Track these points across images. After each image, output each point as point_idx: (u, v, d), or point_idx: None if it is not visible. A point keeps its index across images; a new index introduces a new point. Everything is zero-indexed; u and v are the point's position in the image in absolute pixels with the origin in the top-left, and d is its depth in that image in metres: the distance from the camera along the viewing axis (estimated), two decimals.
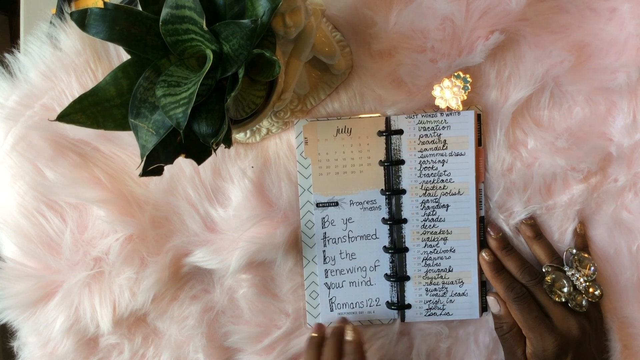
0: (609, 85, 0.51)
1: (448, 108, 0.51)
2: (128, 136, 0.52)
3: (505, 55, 0.52)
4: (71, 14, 0.34)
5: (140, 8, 0.36)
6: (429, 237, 0.54)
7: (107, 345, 0.55)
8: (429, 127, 0.53)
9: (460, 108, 0.51)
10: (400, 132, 0.53)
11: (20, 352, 0.56)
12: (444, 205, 0.54)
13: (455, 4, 0.48)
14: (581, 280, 0.51)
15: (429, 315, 0.55)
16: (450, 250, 0.54)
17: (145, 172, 0.36)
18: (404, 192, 0.53)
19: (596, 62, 0.51)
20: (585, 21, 0.51)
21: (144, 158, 0.35)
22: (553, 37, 0.51)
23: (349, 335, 0.52)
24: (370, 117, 0.53)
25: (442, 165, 0.53)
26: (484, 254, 0.53)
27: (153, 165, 0.36)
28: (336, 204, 0.54)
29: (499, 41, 0.49)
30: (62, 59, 0.51)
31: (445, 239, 0.54)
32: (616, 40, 0.50)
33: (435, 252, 0.54)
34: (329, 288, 0.55)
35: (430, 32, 0.50)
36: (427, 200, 0.54)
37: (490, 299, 0.53)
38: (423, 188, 0.53)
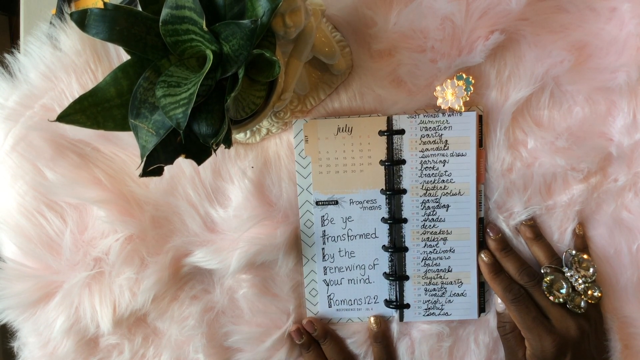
0: (609, 84, 0.51)
1: (450, 109, 0.51)
2: (128, 136, 0.52)
3: (505, 55, 0.52)
4: (71, 15, 0.34)
5: (140, 8, 0.35)
6: (428, 237, 0.54)
7: (107, 346, 0.55)
8: (430, 127, 0.53)
9: (463, 109, 0.51)
10: (401, 132, 0.53)
11: (20, 352, 0.56)
12: (444, 205, 0.54)
13: (455, 4, 0.48)
14: (580, 281, 0.51)
15: (428, 315, 0.55)
16: (450, 250, 0.54)
17: (145, 173, 0.36)
18: (404, 191, 0.54)
19: (596, 62, 0.51)
20: (585, 21, 0.51)
21: (144, 158, 0.35)
22: (553, 37, 0.51)
23: (373, 326, 0.55)
24: (372, 117, 0.53)
25: (443, 166, 0.53)
26: (482, 256, 0.53)
27: (153, 165, 0.36)
28: (336, 202, 0.54)
29: (499, 41, 0.49)
30: (62, 59, 0.51)
31: (445, 239, 0.54)
32: (616, 40, 0.50)
33: (434, 252, 0.54)
34: (328, 285, 0.55)
35: (430, 32, 0.50)
36: (428, 200, 0.54)
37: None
38: (424, 188, 0.53)
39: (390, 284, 0.55)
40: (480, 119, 0.52)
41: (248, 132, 0.53)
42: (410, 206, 0.54)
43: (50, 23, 0.51)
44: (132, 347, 0.55)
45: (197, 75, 0.34)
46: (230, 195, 0.54)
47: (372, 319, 0.55)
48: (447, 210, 0.54)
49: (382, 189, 0.54)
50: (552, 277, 0.51)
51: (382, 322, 0.56)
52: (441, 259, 0.55)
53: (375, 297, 0.56)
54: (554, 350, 0.49)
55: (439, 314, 0.55)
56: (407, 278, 0.55)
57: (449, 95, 0.51)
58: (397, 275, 0.55)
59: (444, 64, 0.50)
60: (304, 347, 0.55)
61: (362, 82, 0.52)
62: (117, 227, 0.52)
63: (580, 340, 0.49)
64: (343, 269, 0.55)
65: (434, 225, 0.54)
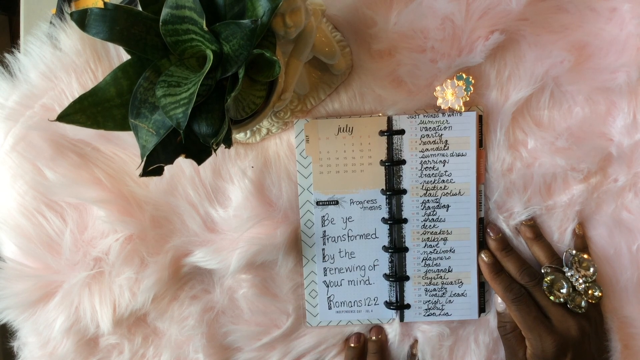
0: (609, 85, 0.51)
1: (450, 109, 0.51)
2: (128, 136, 0.52)
3: (505, 55, 0.52)
4: (71, 14, 0.34)
5: (140, 8, 0.35)
6: (429, 237, 0.54)
7: (107, 346, 0.55)
8: (430, 128, 0.53)
9: (463, 109, 0.51)
10: (401, 132, 0.53)
11: (20, 352, 0.56)
12: (444, 205, 0.54)
13: (455, 4, 0.48)
14: (580, 281, 0.51)
15: (428, 315, 0.55)
16: (450, 250, 0.54)
17: (146, 172, 0.36)
18: (404, 192, 0.54)
19: (596, 62, 0.51)
20: (586, 21, 0.51)
21: (144, 158, 0.35)
22: (553, 37, 0.51)
23: (373, 336, 0.56)
24: (372, 117, 0.53)
25: (443, 166, 0.53)
26: (483, 256, 0.53)
27: (153, 165, 0.36)
28: (336, 202, 0.54)
29: (499, 41, 0.49)
30: (62, 59, 0.51)
31: (445, 240, 0.54)
32: (616, 40, 0.50)
33: (435, 252, 0.54)
34: (328, 286, 0.55)
35: (430, 32, 0.50)
36: (428, 200, 0.54)
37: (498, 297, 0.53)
38: (424, 188, 0.53)
39: (390, 285, 0.55)
40: (480, 119, 0.52)
41: (248, 132, 0.53)
42: (410, 206, 0.54)
43: (51, 23, 0.51)
44: (132, 347, 0.55)
45: (198, 75, 0.34)
46: (230, 195, 0.54)
47: (372, 336, 0.56)
48: (447, 211, 0.54)
49: (383, 189, 0.54)
50: (553, 277, 0.51)
51: (381, 333, 0.56)
52: (441, 259, 0.54)
53: (376, 299, 0.56)
54: (554, 350, 0.49)
55: (440, 314, 0.55)
56: (407, 278, 0.55)
57: (449, 95, 0.51)
58: (398, 276, 0.55)
59: (444, 64, 0.50)
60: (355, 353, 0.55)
61: (362, 82, 0.52)
62: (117, 227, 0.52)
63: (580, 340, 0.49)
64: (343, 270, 0.55)
65: (434, 226, 0.54)
